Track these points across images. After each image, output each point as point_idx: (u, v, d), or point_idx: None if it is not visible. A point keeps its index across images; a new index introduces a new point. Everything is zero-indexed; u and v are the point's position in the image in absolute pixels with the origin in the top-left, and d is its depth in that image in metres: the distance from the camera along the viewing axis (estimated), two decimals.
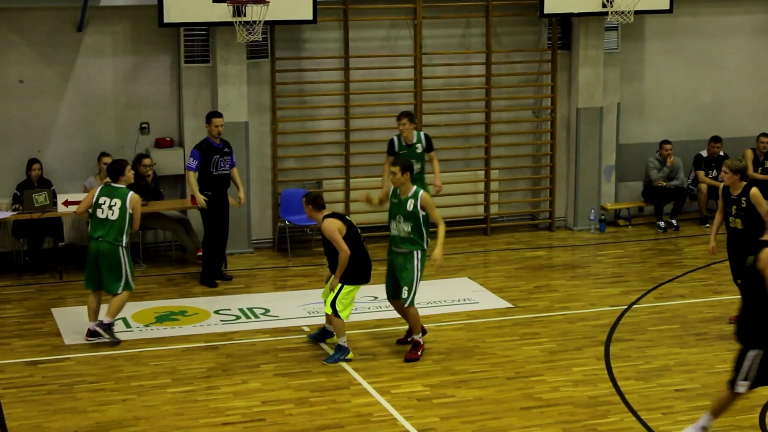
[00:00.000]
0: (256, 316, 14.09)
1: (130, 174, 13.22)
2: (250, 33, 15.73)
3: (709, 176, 18.53)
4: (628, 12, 17.17)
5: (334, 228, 12.29)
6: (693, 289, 15.11)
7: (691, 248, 17.34)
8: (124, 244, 12.88)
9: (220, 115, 15.27)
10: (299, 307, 14.38)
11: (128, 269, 12.96)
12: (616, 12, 17.20)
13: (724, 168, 13.25)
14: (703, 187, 18.44)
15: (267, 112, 17.03)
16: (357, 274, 12.41)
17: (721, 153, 18.65)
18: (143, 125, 16.71)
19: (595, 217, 18.24)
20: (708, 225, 17.91)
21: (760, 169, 18.67)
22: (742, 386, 9.88)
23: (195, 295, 14.92)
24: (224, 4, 15.58)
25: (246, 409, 11.18)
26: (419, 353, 12.46)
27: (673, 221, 18.48)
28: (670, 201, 18.50)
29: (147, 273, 15.88)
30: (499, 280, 15.69)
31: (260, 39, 16.02)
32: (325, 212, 12.52)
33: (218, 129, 15.12)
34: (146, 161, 16.09)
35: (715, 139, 18.65)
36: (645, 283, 15.45)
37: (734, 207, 13.13)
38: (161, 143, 16.69)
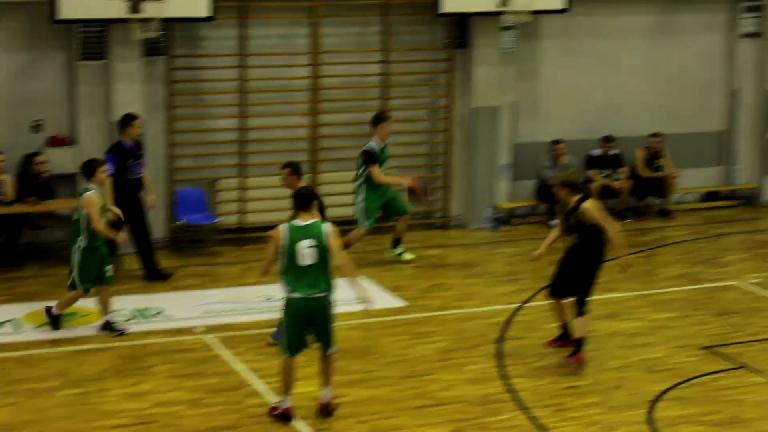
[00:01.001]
0: (150, 317, 13.98)
1: (101, 175, 13.13)
2: (146, 30, 15.60)
3: (602, 175, 18.78)
4: (525, 11, 17.32)
5: None
6: None
7: None
8: (81, 245, 13.05)
9: (138, 117, 15.12)
10: (194, 307, 14.31)
11: (77, 270, 13.08)
12: (513, 11, 17.34)
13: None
14: (595, 186, 18.63)
15: (163, 110, 16.89)
16: None
17: (614, 152, 18.94)
18: (36, 123, 16.44)
19: (490, 216, 18.39)
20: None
21: (650, 168, 19.02)
22: None
23: (88, 296, 14.69)
24: (120, 0, 15.40)
25: (138, 411, 11.12)
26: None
27: None
28: None
29: (39, 273, 15.61)
30: (394, 279, 15.73)
31: (157, 36, 15.90)
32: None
33: (139, 131, 15.00)
34: (38, 158, 15.85)
35: (606, 139, 18.91)
36: (538, 282, 15.56)
37: (571, 220, 12.43)
38: (54, 141, 16.45)
